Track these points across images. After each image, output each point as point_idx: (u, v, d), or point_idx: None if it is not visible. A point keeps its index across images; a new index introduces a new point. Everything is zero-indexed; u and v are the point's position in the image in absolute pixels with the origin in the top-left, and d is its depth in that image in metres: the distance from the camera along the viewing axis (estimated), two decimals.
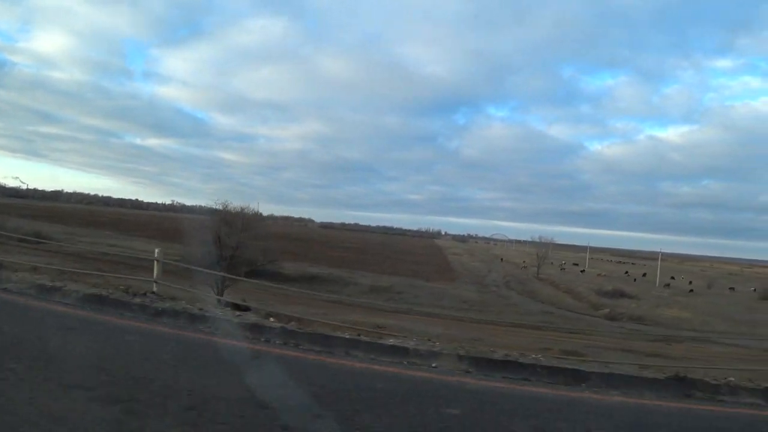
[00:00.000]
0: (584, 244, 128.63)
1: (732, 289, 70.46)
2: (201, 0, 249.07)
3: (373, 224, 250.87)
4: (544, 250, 70.18)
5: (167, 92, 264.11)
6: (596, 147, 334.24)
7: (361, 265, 56.06)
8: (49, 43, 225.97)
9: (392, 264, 60.41)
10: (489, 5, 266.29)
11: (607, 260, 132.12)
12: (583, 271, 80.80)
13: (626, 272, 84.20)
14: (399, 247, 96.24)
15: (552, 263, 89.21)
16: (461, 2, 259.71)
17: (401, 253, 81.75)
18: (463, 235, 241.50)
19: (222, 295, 18.31)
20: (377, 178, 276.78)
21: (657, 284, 69.23)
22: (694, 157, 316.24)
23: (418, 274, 52.53)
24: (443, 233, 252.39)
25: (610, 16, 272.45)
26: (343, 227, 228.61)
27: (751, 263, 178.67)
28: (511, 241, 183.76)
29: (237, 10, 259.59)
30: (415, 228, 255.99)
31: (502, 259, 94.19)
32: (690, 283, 74.98)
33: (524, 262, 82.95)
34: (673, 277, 78.62)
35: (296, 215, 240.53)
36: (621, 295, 53.59)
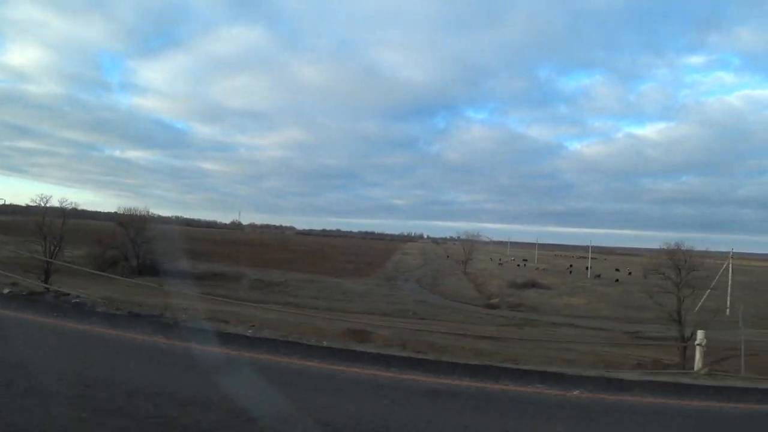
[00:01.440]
0: (571, 243, 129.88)
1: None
2: (174, 9, 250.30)
3: (356, 230, 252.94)
4: (470, 246, 71.03)
5: (145, 103, 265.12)
6: (576, 147, 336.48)
7: (289, 264, 57.18)
8: (22, 56, 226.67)
9: (321, 264, 61.44)
10: (462, 8, 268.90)
11: (570, 256, 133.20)
12: (518, 265, 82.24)
13: (570, 266, 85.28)
14: (351, 250, 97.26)
15: (499, 259, 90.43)
16: (434, 6, 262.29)
17: (346, 254, 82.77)
18: (444, 238, 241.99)
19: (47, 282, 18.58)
20: (359, 184, 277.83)
21: (588, 276, 70.38)
22: (672, 154, 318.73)
23: (335, 271, 53.59)
24: (425, 236, 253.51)
25: (582, 16, 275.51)
26: (323, 234, 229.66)
27: (737, 256, 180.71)
28: (487, 243, 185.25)
29: (211, 19, 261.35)
30: (397, 233, 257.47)
31: (447, 257, 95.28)
32: (630, 274, 76.12)
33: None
34: (618, 269, 79.81)
35: (279, 223, 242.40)
36: (532, 285, 54.63)
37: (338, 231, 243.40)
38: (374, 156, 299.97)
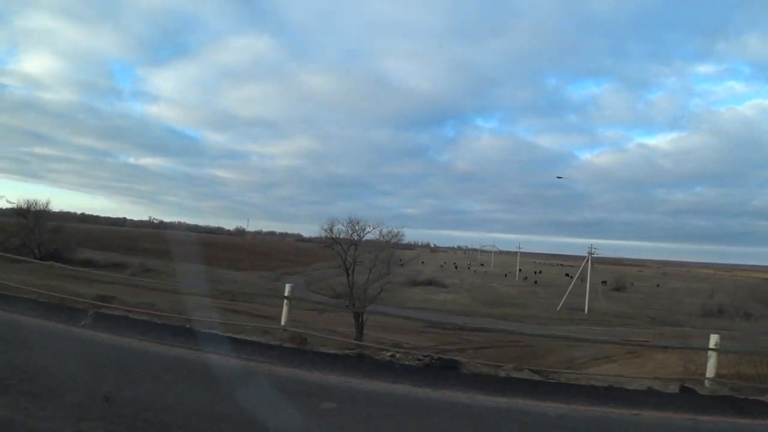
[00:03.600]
0: (583, 254, 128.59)
1: (604, 282, 71.81)
2: (182, 20, 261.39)
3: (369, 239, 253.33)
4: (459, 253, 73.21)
5: (157, 111, 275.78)
6: (586, 156, 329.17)
7: (208, 259, 61.95)
8: (37, 65, 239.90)
9: (248, 260, 65.49)
10: (468, 17, 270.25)
11: (565, 265, 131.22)
12: (470, 269, 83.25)
13: (519, 269, 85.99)
14: (304, 253, 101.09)
15: (454, 263, 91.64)
16: (441, 15, 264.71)
17: (289, 256, 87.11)
18: (453, 247, 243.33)
19: None
20: (371, 193, 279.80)
21: (516, 278, 71.45)
22: (684, 164, 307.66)
23: (243, 266, 57.73)
24: (432, 245, 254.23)
25: (589, 25, 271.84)
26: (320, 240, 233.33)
27: (750, 269, 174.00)
28: (491, 252, 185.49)
29: (219, 30, 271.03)
30: (404, 242, 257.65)
31: (423, 262, 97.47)
32: (569, 275, 76.51)
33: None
34: (568, 274, 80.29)
35: (291, 231, 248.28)
36: (429, 284, 56.77)
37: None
38: (385, 165, 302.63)
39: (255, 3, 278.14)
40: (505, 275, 76.81)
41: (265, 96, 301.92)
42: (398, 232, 29.80)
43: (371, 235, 30.40)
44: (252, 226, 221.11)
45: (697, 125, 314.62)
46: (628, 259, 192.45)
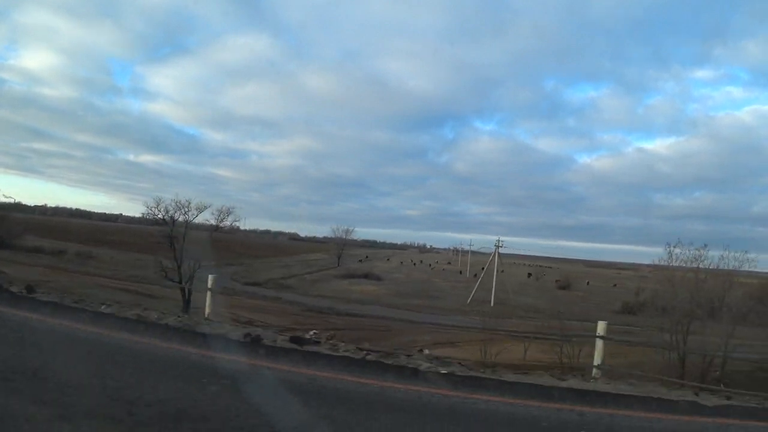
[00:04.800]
0: (584, 258, 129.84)
1: (558, 281, 73.03)
2: (181, 19, 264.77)
3: (368, 239, 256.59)
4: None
5: (156, 108, 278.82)
6: (585, 160, 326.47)
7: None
8: (37, 61, 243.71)
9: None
10: (467, 18, 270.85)
11: (550, 267, 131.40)
12: (430, 266, 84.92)
13: (482, 268, 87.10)
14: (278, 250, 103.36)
15: (417, 261, 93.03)
16: (439, 16, 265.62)
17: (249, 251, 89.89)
18: (447, 249, 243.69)
19: None
20: (371, 194, 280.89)
21: (467, 275, 72.78)
22: (683, 169, 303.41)
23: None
24: (427, 246, 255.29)
25: (587, 28, 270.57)
26: (318, 240, 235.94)
27: (748, 274, 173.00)
28: (488, 254, 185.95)
29: (218, 28, 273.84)
30: (400, 242, 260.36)
31: (388, 259, 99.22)
32: (531, 275, 77.57)
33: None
34: (531, 274, 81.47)
35: (287, 230, 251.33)
36: (365, 276, 58.56)
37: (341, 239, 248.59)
38: (384, 166, 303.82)
39: (254, 2, 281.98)
40: (460, 272, 78.06)
41: (264, 95, 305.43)
42: (230, 210, 31.00)
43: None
44: (251, 225, 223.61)
45: (695, 130, 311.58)
46: (621, 263, 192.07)
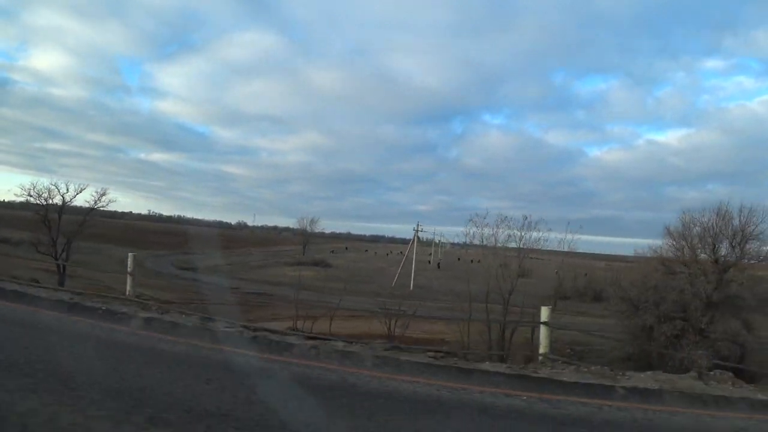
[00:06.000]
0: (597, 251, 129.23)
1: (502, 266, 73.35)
2: (187, 16, 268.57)
3: (376, 234, 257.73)
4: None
5: (166, 107, 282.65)
6: (596, 153, 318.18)
7: (137, 243, 67.82)
8: (47, 61, 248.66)
9: (165, 244, 71.49)
10: (473, 12, 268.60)
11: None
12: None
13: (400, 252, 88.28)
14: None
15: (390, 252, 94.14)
16: (446, 11, 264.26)
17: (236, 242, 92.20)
18: (455, 243, 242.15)
19: None
20: (382, 189, 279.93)
21: (430, 264, 73.28)
22: (695, 161, 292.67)
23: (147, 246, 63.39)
24: (437, 240, 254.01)
25: (595, 20, 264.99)
26: (325, 236, 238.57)
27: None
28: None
29: (224, 25, 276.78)
30: (409, 237, 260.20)
31: (366, 251, 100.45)
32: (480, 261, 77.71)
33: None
34: (479, 260, 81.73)
35: (295, 226, 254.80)
36: (315, 264, 59.83)
37: (348, 234, 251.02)
38: (394, 161, 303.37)
39: None
40: (428, 262, 78.74)
41: (273, 92, 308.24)
42: (104, 192, 32.54)
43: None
44: (261, 221, 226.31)
45: (706, 122, 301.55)
46: (628, 257, 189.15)
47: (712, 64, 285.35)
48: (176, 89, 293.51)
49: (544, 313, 8.32)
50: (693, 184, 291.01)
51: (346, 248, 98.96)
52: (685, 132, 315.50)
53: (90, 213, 31.73)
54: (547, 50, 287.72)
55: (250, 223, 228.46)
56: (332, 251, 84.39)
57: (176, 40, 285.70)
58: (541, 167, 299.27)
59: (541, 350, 7.99)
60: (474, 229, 21.97)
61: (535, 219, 22.85)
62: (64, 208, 29.36)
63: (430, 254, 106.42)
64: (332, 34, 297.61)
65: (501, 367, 6.22)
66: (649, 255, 21.91)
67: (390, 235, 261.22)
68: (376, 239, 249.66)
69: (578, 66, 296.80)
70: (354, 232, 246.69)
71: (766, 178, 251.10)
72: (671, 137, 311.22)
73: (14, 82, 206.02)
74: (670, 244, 20.44)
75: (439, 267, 67.41)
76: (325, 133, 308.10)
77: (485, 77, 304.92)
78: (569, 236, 23.45)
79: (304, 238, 73.70)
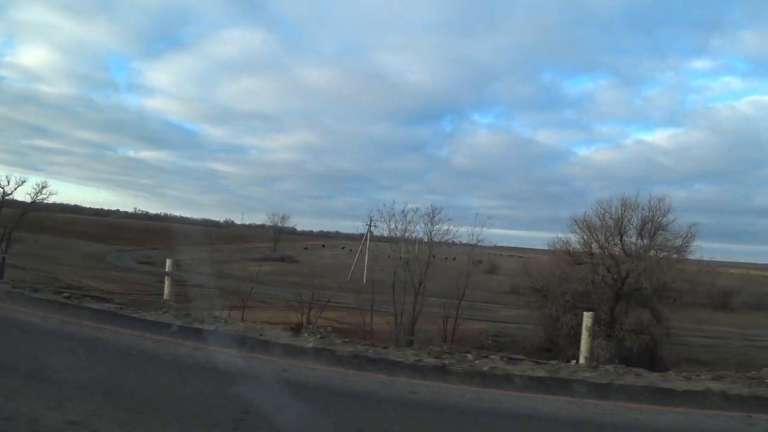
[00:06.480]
0: None
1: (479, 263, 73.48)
2: (176, 12, 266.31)
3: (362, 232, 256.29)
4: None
5: (154, 104, 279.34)
6: (584, 152, 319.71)
7: (105, 238, 67.76)
8: (34, 57, 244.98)
9: (132, 240, 71.50)
10: (463, 11, 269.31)
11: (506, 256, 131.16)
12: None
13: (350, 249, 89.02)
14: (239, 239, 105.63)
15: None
16: (436, 10, 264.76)
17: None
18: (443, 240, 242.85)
19: None
20: (372, 188, 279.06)
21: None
22: (684, 161, 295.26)
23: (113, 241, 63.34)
24: (425, 239, 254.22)
25: (584, 19, 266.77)
26: (309, 234, 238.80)
27: (749, 266, 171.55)
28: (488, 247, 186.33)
29: (212, 22, 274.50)
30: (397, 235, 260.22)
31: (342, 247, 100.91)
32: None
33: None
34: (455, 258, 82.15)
35: (285, 224, 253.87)
36: (281, 260, 60.07)
37: (337, 232, 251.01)
38: (385, 160, 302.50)
39: None
40: (400, 258, 79.23)
41: (262, 89, 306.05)
42: (44, 185, 32.85)
43: None
44: (251, 219, 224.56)
45: (694, 121, 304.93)
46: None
47: (700, 64, 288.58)
48: (165, 86, 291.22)
49: (168, 264, 9.40)
50: (681, 184, 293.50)
51: (323, 246, 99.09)
52: (673, 132, 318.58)
53: (30, 206, 31.85)
54: (536, 49, 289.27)
55: (238, 221, 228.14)
56: (306, 248, 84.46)
57: (165, 36, 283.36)
58: (531, 166, 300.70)
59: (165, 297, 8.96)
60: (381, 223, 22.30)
61: (442, 212, 23.14)
62: (3, 202, 29.40)
63: (407, 252, 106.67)
64: (322, 31, 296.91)
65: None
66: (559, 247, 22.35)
67: (378, 234, 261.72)
68: (361, 237, 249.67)
69: (567, 65, 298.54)
70: (343, 231, 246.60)
71: (754, 177, 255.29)
72: (659, 137, 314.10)
73: (1, 78, 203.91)
74: (578, 235, 20.92)
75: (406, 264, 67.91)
76: (315, 131, 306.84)
77: (475, 76, 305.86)
78: (477, 229, 23.72)
79: (276, 234, 73.75)
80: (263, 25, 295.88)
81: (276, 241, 73.12)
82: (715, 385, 5.08)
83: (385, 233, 24.13)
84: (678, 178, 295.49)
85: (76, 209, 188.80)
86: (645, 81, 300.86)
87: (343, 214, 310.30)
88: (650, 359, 20.07)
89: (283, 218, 77.34)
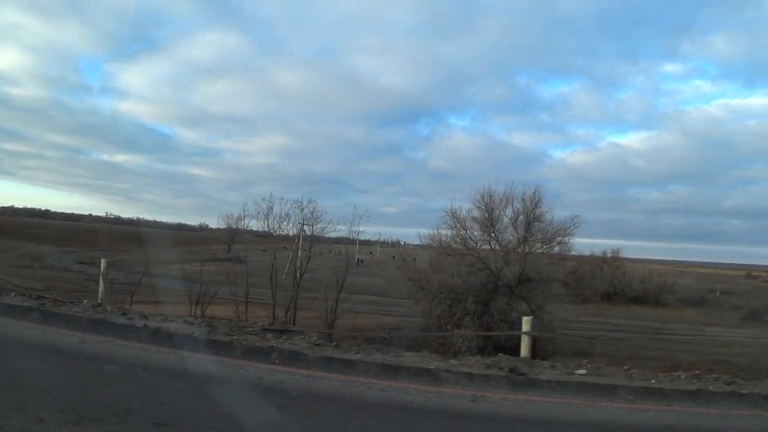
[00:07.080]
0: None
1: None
2: (148, 15, 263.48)
3: (342, 236, 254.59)
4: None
5: (127, 107, 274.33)
6: (559, 155, 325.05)
7: (59, 241, 67.15)
8: (4, 59, 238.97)
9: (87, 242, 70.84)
10: (439, 15, 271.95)
11: None
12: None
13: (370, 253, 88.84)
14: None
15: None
16: (412, 13, 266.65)
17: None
18: (419, 244, 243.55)
19: None
20: (348, 191, 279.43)
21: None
22: (656, 163, 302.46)
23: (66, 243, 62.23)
24: (402, 243, 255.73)
25: (558, 23, 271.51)
26: (285, 237, 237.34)
27: (719, 266, 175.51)
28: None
29: (186, 25, 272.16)
30: (374, 239, 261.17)
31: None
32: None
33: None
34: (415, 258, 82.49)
35: (260, 228, 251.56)
36: (229, 260, 59.54)
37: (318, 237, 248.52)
38: (361, 162, 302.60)
39: None
40: (363, 260, 79.33)
41: (237, 92, 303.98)
42: None
43: None
44: (218, 224, 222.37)
45: (666, 124, 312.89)
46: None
47: (671, 68, 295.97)
48: (138, 89, 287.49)
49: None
50: (655, 185, 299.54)
51: (285, 248, 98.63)
52: (646, 134, 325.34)
53: None
54: (511, 52, 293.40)
55: (213, 225, 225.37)
56: (263, 249, 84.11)
57: (138, 39, 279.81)
58: (507, 169, 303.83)
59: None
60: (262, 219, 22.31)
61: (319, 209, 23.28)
62: None
63: (371, 253, 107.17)
64: (296, 34, 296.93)
65: None
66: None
67: (358, 237, 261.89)
68: (339, 241, 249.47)
69: (541, 68, 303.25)
70: (317, 233, 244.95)
71: (725, 179, 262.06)
72: (633, 139, 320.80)
73: None
74: (452, 229, 21.02)
75: (358, 263, 67.88)
76: (291, 134, 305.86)
77: (450, 79, 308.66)
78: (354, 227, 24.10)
79: (229, 236, 73.24)
80: (237, 28, 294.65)
81: (230, 242, 72.62)
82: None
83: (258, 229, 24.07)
84: (652, 180, 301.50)
85: (45, 214, 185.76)
86: (618, 84, 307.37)
87: (321, 217, 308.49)
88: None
89: (237, 220, 76.54)
